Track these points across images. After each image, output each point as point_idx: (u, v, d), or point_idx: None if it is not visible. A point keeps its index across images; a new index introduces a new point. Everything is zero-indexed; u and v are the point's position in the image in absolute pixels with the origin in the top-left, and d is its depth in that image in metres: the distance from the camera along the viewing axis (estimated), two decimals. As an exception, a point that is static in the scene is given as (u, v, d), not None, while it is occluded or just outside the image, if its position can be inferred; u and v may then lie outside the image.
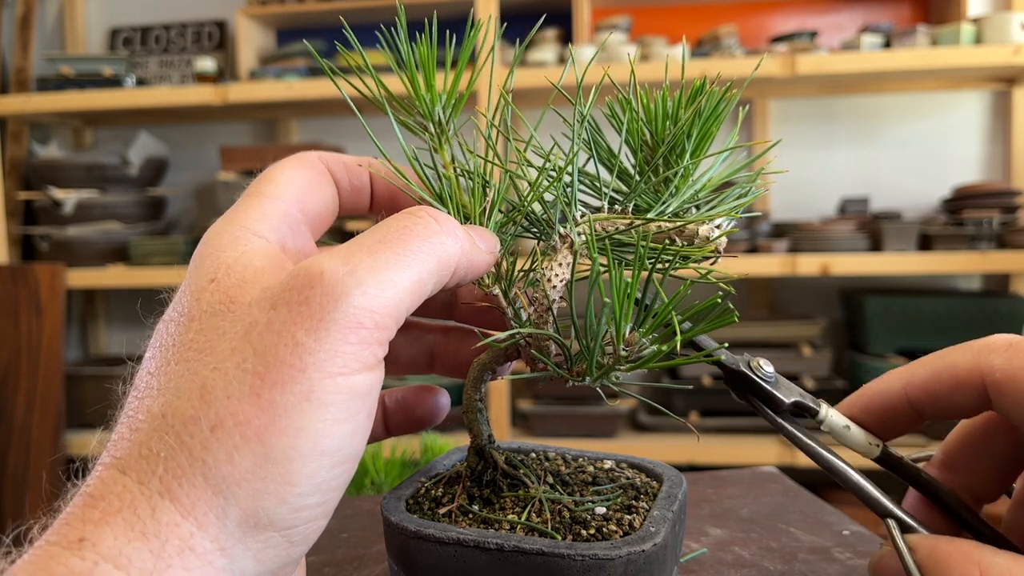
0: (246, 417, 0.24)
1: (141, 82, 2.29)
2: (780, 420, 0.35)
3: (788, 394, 0.35)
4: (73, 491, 0.25)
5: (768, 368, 0.35)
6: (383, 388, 0.30)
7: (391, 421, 0.38)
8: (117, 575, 0.22)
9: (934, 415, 0.34)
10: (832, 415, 0.35)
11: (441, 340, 0.39)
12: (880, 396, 0.34)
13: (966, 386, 0.32)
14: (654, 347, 0.30)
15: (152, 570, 0.22)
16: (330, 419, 0.25)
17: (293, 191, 0.32)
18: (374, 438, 0.37)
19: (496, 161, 0.34)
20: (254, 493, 0.24)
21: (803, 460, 1.81)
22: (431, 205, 0.33)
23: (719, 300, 0.30)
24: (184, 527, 0.23)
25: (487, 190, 0.34)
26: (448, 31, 0.34)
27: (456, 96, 0.34)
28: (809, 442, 0.34)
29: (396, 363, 0.39)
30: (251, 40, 2.20)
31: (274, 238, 0.30)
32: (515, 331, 0.33)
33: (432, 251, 0.28)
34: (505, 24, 0.42)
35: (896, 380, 0.34)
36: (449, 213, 0.33)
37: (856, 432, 0.35)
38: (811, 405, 0.35)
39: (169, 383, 0.25)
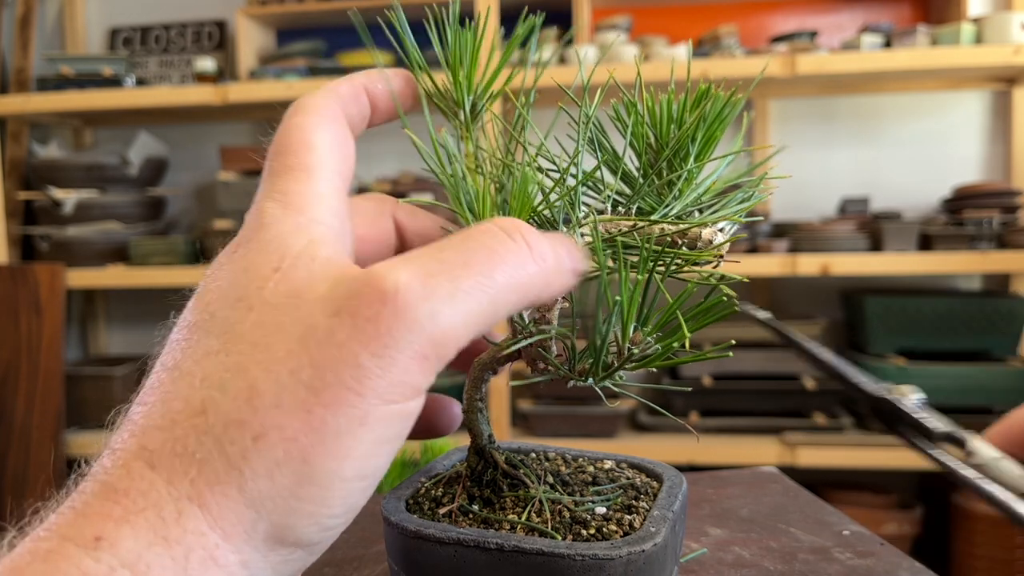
0: (293, 433, 0.23)
1: (141, 82, 2.28)
2: (933, 452, 0.34)
3: (939, 424, 0.34)
4: (89, 470, 0.23)
5: (916, 396, 0.34)
6: None
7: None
8: None
9: None
10: (982, 447, 0.34)
11: None
12: None
13: None
14: (658, 346, 0.30)
15: None
16: (376, 443, 0.24)
17: (334, 159, 0.29)
18: None
19: (515, 164, 0.34)
20: (288, 512, 0.23)
21: (803, 460, 1.81)
22: (436, 171, 0.33)
23: (724, 299, 0.30)
24: (210, 537, 0.22)
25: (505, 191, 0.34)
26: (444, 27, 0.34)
27: (490, 87, 0.34)
28: (967, 474, 0.33)
29: None
30: (251, 40, 2.20)
31: (334, 222, 0.28)
32: (521, 337, 0.33)
33: (516, 285, 0.26)
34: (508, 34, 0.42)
35: None
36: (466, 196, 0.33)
37: (1009, 464, 0.34)
38: (959, 436, 0.34)
39: (214, 374, 0.24)
